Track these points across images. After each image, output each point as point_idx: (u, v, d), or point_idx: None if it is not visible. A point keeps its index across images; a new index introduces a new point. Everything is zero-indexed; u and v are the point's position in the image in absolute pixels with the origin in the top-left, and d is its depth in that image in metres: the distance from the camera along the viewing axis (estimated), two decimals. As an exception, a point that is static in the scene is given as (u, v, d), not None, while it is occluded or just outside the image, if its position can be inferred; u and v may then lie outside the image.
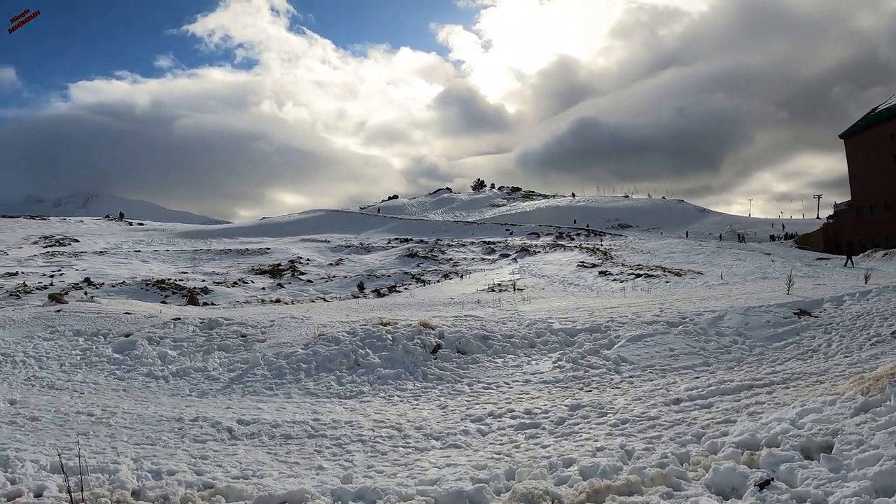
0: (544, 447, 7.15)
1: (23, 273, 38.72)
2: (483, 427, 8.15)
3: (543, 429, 7.90)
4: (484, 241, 58.35)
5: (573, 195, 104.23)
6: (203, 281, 38.56)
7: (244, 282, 39.38)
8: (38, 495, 5.93)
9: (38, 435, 8.17)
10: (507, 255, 50.45)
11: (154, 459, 7.11)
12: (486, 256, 50.94)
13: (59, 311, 18.13)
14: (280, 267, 44.68)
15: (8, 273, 38.50)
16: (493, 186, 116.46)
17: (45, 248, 52.45)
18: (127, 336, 14.42)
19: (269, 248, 51.81)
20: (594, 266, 41.17)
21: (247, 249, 51.56)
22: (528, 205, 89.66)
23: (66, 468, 6.15)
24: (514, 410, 8.71)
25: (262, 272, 42.84)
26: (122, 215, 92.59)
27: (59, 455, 6.57)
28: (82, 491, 5.86)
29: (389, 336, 12.74)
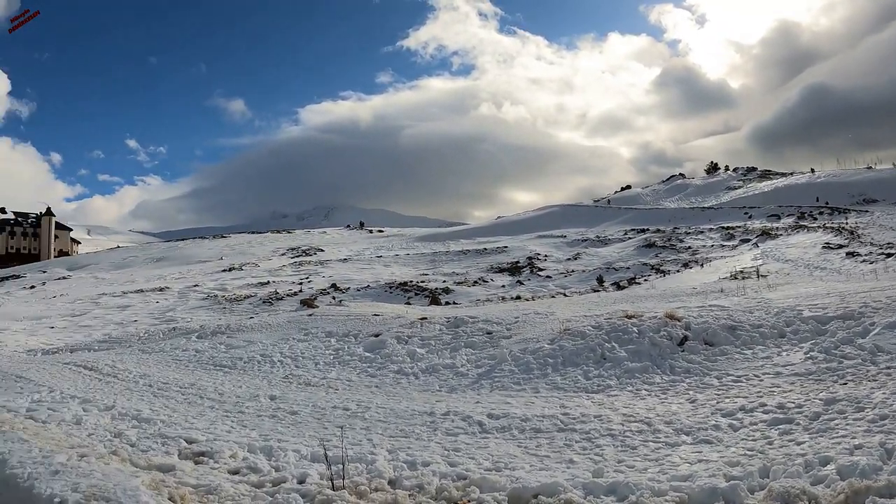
0: (799, 444, 6.62)
1: (274, 282, 42.67)
2: (734, 422, 7.63)
3: (797, 424, 7.24)
4: (722, 227, 54.99)
5: (812, 171, 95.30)
6: (444, 281, 40.07)
7: (483, 280, 40.37)
8: (301, 482, 6.36)
9: (298, 427, 8.85)
10: (748, 240, 47.21)
11: (408, 451, 7.38)
12: (725, 242, 48.09)
13: (310, 314, 19.65)
14: (518, 264, 45.27)
15: (260, 283, 42.68)
16: (726, 168, 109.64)
17: (292, 258, 57.55)
18: (376, 336, 15.23)
19: (506, 247, 52.70)
20: (840, 247, 37.27)
21: (484, 249, 52.85)
22: (766, 185, 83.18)
23: (327, 458, 6.56)
24: (765, 405, 8.03)
25: (500, 270, 43.69)
26: (362, 224, 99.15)
27: (322, 445, 7.13)
28: (343, 479, 6.19)
29: (635, 329, 12.29)
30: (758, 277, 26.36)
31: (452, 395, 10.73)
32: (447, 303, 32.70)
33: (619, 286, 34.65)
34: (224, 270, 51.08)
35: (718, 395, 8.99)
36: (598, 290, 33.10)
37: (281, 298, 36.20)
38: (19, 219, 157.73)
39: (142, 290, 43.26)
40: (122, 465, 6.95)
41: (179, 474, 6.63)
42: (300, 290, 38.48)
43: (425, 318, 16.37)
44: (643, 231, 56.70)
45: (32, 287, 57.41)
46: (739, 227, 53.83)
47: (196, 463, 7.18)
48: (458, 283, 39.26)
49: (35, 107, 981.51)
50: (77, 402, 10.79)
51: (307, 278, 43.77)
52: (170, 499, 5.82)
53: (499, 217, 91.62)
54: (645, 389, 9.84)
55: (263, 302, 35.33)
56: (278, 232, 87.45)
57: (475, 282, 40.11)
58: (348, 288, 38.27)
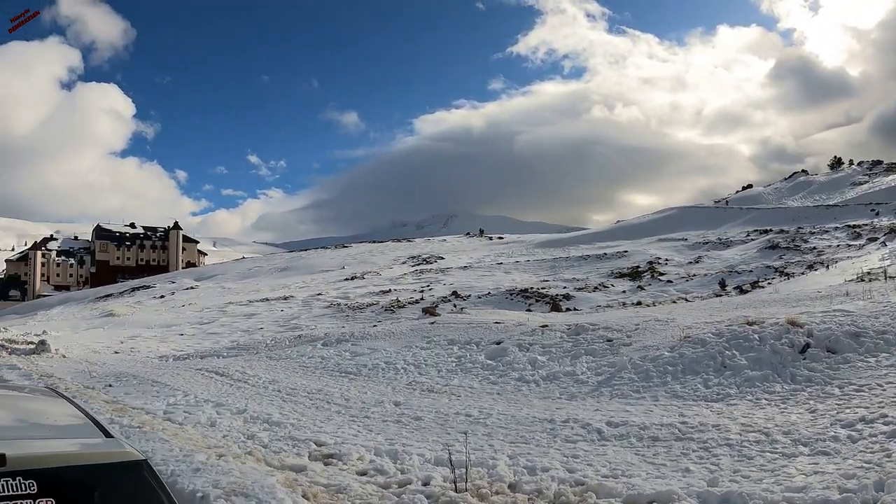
0: (918, 457, 6.42)
1: (395, 290, 43.72)
2: (853, 433, 7.42)
3: (918, 437, 7.02)
4: (848, 225, 52.10)
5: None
6: (564, 287, 40.02)
7: (604, 286, 40.06)
8: (426, 483, 6.80)
9: (422, 432, 9.29)
10: (875, 239, 44.56)
11: (528, 457, 7.65)
12: (851, 242, 45.61)
13: (432, 322, 20.18)
14: (638, 269, 44.62)
15: (382, 291, 43.83)
16: (851, 163, 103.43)
17: (413, 266, 58.71)
18: (498, 343, 15.56)
19: (626, 251, 51.99)
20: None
21: (604, 254, 52.33)
22: (893, 179, 78.19)
23: (450, 462, 6.95)
24: (887, 416, 7.75)
25: (620, 275, 43.20)
26: (481, 231, 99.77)
27: (446, 450, 7.52)
28: (466, 482, 6.55)
29: (756, 336, 12.05)
30: (885, 279, 25.07)
31: (572, 402, 10.91)
32: (568, 309, 32.67)
33: (741, 290, 33.66)
34: (346, 279, 52.73)
35: (839, 405, 8.76)
36: (720, 295, 32.28)
37: (402, 306, 37.09)
38: (149, 233, 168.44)
39: (267, 299, 45.30)
40: (258, 464, 7.58)
41: (311, 474, 7.19)
42: (421, 298, 39.30)
43: (546, 326, 16.54)
44: (766, 232, 54.67)
45: (162, 297, 61.10)
46: (866, 225, 51.09)
47: (325, 464, 7.74)
48: (579, 289, 39.11)
49: (159, 127, 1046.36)
50: (211, 405, 11.64)
51: (428, 286, 44.62)
52: (303, 496, 6.36)
53: (618, 221, 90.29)
54: (765, 398, 9.70)
55: (385, 310, 36.30)
56: (398, 241, 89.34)
57: (595, 287, 39.85)
58: (469, 295, 38.79)
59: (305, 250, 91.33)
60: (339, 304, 39.70)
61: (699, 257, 47.70)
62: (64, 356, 25.62)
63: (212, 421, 10.22)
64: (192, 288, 64.78)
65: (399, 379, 13.95)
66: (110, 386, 15.06)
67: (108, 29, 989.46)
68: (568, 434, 8.74)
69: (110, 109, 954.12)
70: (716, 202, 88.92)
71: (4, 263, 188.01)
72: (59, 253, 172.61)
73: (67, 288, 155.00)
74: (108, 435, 2.58)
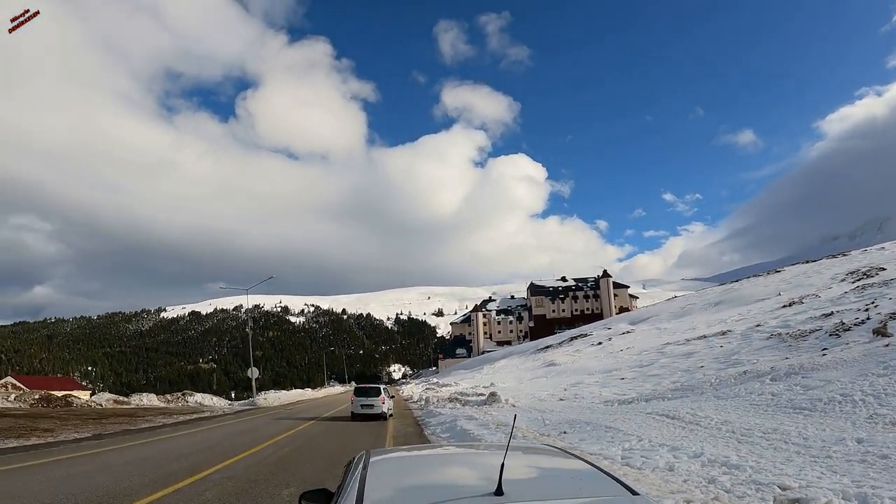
0: None
1: (837, 311, 39.82)
2: None
3: None
4: None
5: None
6: None
7: None
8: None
9: (891, 473, 8.50)
10: None
11: None
12: None
13: (886, 345, 18.14)
14: None
15: (823, 314, 40.17)
16: None
17: (852, 283, 52.95)
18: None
19: None
20: None
21: None
22: None
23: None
24: None
25: None
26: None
27: None
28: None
29: None
30: None
31: None
32: None
33: None
34: (783, 306, 49.56)
35: None
36: None
37: (848, 329, 33.72)
38: (579, 284, 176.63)
39: (704, 336, 44.46)
40: (724, 510, 7.55)
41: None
42: (867, 318, 35.38)
43: None
44: None
45: (600, 343, 63.24)
46: None
47: (791, 510, 7.42)
48: None
49: (572, 184, 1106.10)
50: (666, 449, 11.82)
51: (873, 303, 40.08)
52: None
53: None
54: None
55: (829, 335, 33.33)
56: (833, 256, 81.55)
57: None
58: (927, 308, 33.98)
59: (737, 281, 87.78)
60: (779, 334, 37.42)
61: None
62: (514, 405, 27.91)
63: (669, 465, 10.37)
64: (627, 332, 66.16)
65: (857, 412, 12.80)
66: (565, 433, 16.03)
67: (493, 107, 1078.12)
68: None
69: (524, 176, 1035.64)
70: None
71: (450, 326, 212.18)
72: (498, 312, 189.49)
73: (508, 343, 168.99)
74: (633, 492, 2.53)
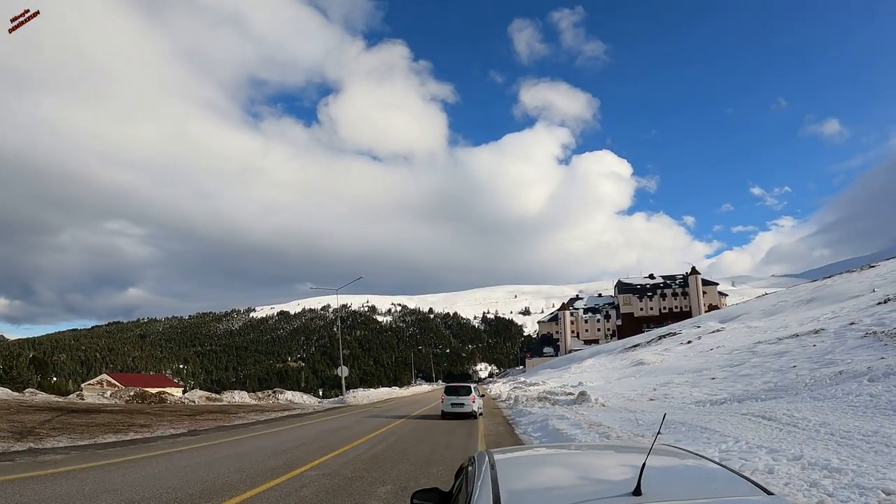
0: None
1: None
2: None
3: None
4: None
5: None
6: None
7: None
8: None
9: None
10: None
11: None
12: None
13: None
14: None
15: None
16: None
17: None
18: None
19: None
20: None
21: None
22: None
23: None
24: None
25: None
26: None
27: None
28: None
29: None
30: None
31: None
32: None
33: None
34: (878, 303, 47.77)
35: None
36: None
37: (954, 327, 32.48)
38: (667, 281, 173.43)
39: (797, 335, 43.29)
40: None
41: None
42: (975, 315, 33.94)
43: None
44: None
45: (689, 342, 62.14)
46: None
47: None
48: None
49: (658, 179, 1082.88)
50: (764, 451, 11.78)
51: (983, 300, 38.36)
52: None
53: None
54: None
55: None
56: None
57: None
58: None
59: (829, 277, 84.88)
60: (874, 333, 36.16)
61: None
62: (603, 405, 27.84)
63: (769, 468, 10.34)
64: (717, 331, 64.86)
65: (966, 416, 12.48)
66: (659, 433, 16.03)
67: (572, 105, 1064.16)
68: None
69: (609, 172, 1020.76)
70: None
71: (537, 325, 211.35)
72: (585, 310, 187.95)
73: (596, 341, 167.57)
74: (767, 492, 2.47)
